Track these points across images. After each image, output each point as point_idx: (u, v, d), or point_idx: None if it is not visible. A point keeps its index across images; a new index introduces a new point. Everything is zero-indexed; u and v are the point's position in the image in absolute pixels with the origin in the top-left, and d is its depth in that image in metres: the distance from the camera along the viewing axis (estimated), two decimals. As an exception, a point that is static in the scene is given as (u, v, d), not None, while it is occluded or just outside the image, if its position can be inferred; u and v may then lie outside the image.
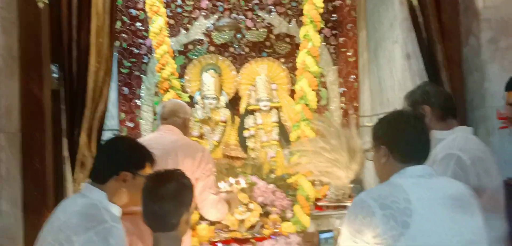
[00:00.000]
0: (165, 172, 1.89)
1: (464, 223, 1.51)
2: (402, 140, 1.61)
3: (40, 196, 2.49)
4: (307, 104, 3.56)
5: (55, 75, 2.74)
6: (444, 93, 2.20)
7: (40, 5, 2.30)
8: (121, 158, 1.89)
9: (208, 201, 2.72)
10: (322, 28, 4.18)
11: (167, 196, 1.80)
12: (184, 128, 2.91)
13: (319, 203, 3.72)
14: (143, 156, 1.95)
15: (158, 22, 3.57)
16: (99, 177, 1.87)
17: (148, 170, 1.95)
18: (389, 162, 1.61)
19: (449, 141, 2.04)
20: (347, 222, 1.55)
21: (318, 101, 4.18)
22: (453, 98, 2.23)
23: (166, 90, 3.54)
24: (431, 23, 2.63)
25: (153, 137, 2.88)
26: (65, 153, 2.75)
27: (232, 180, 3.40)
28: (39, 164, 2.47)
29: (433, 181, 1.56)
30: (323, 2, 3.61)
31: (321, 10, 3.62)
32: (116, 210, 1.87)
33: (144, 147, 2.02)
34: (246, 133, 4.12)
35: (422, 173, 1.57)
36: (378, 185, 1.60)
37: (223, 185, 3.33)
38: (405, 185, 1.51)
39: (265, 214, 3.51)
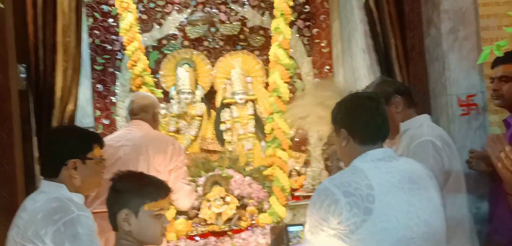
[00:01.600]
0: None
1: (420, 205, 1.57)
2: (360, 122, 1.64)
3: (10, 197, 2.49)
4: (280, 97, 3.60)
5: (22, 75, 2.73)
6: (403, 84, 2.26)
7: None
8: (65, 147, 1.90)
9: (183, 191, 2.78)
10: (295, 20, 4.24)
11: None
12: (153, 122, 2.94)
13: (296, 193, 3.78)
14: (86, 138, 1.96)
15: (128, 19, 3.57)
16: (50, 171, 1.89)
17: (97, 152, 1.95)
18: (350, 145, 1.65)
19: (415, 128, 2.10)
20: (312, 210, 1.57)
21: (293, 93, 4.25)
22: (409, 90, 2.29)
23: (139, 87, 3.55)
24: (385, 18, 2.70)
25: (123, 132, 2.91)
26: (36, 153, 2.76)
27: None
28: (8, 165, 2.47)
29: (393, 164, 1.60)
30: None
31: (291, 3, 3.65)
32: (79, 198, 1.90)
33: (87, 130, 2.05)
34: (222, 126, 4.15)
35: (383, 156, 1.62)
36: (341, 172, 1.65)
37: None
38: (367, 170, 1.56)
39: (242, 206, 3.55)
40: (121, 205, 1.79)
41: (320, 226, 1.53)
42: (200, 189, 3.44)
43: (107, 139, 2.85)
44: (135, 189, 1.81)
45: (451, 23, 2.47)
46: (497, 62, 2.27)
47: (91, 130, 3.97)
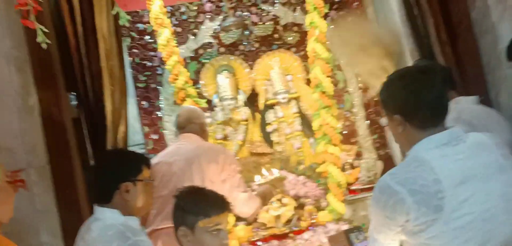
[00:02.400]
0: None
1: (496, 192, 1.40)
2: (415, 104, 1.44)
3: (78, 223, 2.56)
4: (323, 92, 3.54)
5: (73, 103, 2.81)
6: (440, 66, 2.17)
7: (43, 46, 2.35)
8: (116, 171, 1.91)
9: (239, 200, 2.77)
10: (328, 12, 4.16)
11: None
12: (202, 132, 2.96)
13: (352, 187, 3.70)
14: (135, 160, 1.97)
15: (164, 34, 3.59)
16: (102, 198, 1.90)
17: (146, 173, 1.96)
18: (407, 130, 1.47)
19: (457, 110, 2.00)
20: (376, 209, 1.46)
21: (335, 85, 4.18)
22: (450, 71, 2.20)
23: (183, 100, 3.57)
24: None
25: (174, 148, 2.93)
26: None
27: (264, 171, 3.39)
28: (71, 193, 2.55)
29: (461, 148, 1.43)
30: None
31: (323, -5, 3.58)
32: (134, 222, 1.91)
33: (134, 151, 2.07)
34: (269, 128, 4.12)
35: (448, 139, 1.44)
36: (403, 163, 1.46)
37: (258, 178, 3.32)
38: (433, 161, 1.39)
39: (300, 206, 3.49)
40: (180, 222, 1.84)
41: (388, 225, 1.43)
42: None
43: (160, 156, 2.90)
44: (191, 206, 1.84)
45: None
46: None
47: (142, 146, 4.11)
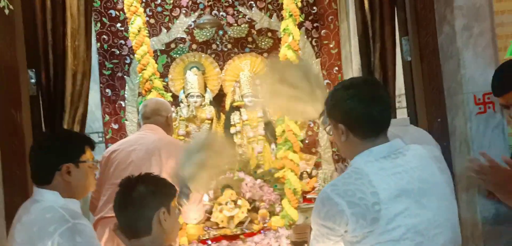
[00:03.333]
0: (130, 179, 1.84)
1: (431, 205, 1.45)
2: (358, 114, 1.48)
3: (22, 202, 2.48)
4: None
5: (32, 80, 2.72)
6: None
7: (6, 12, 2.27)
8: (57, 151, 1.84)
9: (191, 197, 2.69)
10: (304, 22, 4.21)
11: (129, 203, 1.76)
12: (167, 126, 2.91)
13: (308, 196, 3.74)
14: (78, 142, 1.91)
15: (136, 23, 3.56)
16: (43, 178, 1.83)
17: (89, 154, 1.91)
18: (350, 140, 1.51)
19: None
20: (317, 219, 1.47)
21: (302, 95, 4.22)
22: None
23: (148, 91, 3.54)
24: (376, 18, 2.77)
25: (135, 137, 2.88)
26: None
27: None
28: (19, 171, 2.44)
29: (400, 161, 1.47)
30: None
31: (300, 4, 3.63)
32: (75, 204, 1.85)
33: (78, 133, 2.01)
34: (232, 129, 4.12)
35: (388, 152, 1.48)
36: (344, 175, 1.48)
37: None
38: (371, 174, 1.43)
39: (254, 210, 3.52)
40: (159, 204, 1.78)
41: (327, 235, 1.46)
42: (211, 193, 3.41)
43: (120, 143, 2.84)
44: (166, 187, 1.84)
45: (465, 20, 2.42)
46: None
47: (100, 134, 4.03)
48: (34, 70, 2.69)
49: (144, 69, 3.55)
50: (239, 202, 3.38)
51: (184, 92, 4.12)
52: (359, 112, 1.48)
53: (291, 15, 3.61)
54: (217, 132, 3.10)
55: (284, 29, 3.64)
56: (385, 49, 2.81)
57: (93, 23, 4.08)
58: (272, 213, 3.50)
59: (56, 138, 1.95)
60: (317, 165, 4.14)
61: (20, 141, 2.46)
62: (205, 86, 4.18)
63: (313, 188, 3.78)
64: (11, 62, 2.54)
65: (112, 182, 2.57)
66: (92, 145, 1.94)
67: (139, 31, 3.59)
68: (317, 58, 4.39)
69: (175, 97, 4.14)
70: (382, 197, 1.40)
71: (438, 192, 1.49)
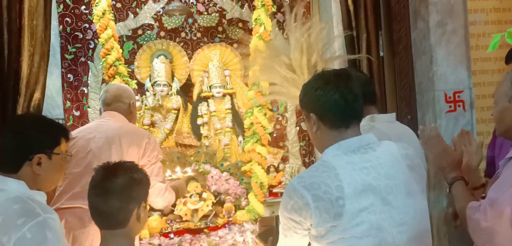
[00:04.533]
0: (114, 165, 1.73)
1: (397, 203, 1.43)
2: (328, 104, 1.49)
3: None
4: (259, 91, 3.49)
5: (-15, 60, 2.54)
6: (363, 78, 2.15)
7: None
8: (31, 140, 1.69)
9: (155, 189, 2.59)
10: (275, 13, 4.13)
11: (113, 191, 1.65)
12: (129, 113, 2.77)
13: (274, 190, 3.68)
14: (54, 132, 1.76)
15: (101, 4, 3.39)
16: (9, 166, 1.67)
17: (64, 146, 1.77)
18: (321, 130, 1.52)
19: (369, 128, 1.98)
20: (284, 212, 1.46)
21: (272, 87, 4.15)
22: (371, 84, 2.20)
23: (112, 77, 3.37)
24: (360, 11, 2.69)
25: (95, 124, 2.73)
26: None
27: (178, 169, 3.27)
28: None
29: (369, 156, 1.46)
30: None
31: (272, -7, 3.55)
32: (42, 197, 1.71)
33: (54, 121, 1.83)
34: (199, 120, 4.01)
35: (358, 145, 1.48)
36: (312, 167, 1.49)
37: (168, 173, 3.21)
38: (339, 167, 1.42)
39: (219, 203, 3.44)
40: (142, 197, 1.72)
41: (294, 228, 1.44)
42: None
43: (79, 130, 2.68)
44: (147, 179, 1.77)
45: (439, 16, 2.41)
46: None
47: (61, 121, 3.83)
48: (-14, 49, 2.51)
49: (108, 54, 3.38)
50: (204, 195, 3.28)
51: (150, 80, 3.98)
52: (328, 101, 1.49)
53: (263, 5, 3.52)
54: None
55: (256, 19, 3.55)
56: (370, 41, 2.73)
57: (55, 4, 3.88)
58: (237, 207, 3.42)
59: (31, 125, 1.76)
60: (284, 159, 4.09)
61: (-31, 124, 2.30)
62: (173, 75, 4.05)
63: (280, 182, 3.72)
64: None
65: (70, 171, 2.42)
66: (67, 136, 1.81)
67: (103, 14, 3.41)
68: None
69: (141, 85, 3.99)
70: (347, 192, 1.39)
71: (406, 190, 1.47)
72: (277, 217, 2.66)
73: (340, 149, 1.47)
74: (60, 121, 3.84)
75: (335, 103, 1.48)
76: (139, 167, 1.77)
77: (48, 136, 1.73)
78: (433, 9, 2.40)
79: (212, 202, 3.30)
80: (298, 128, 4.23)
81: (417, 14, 2.50)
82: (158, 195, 2.59)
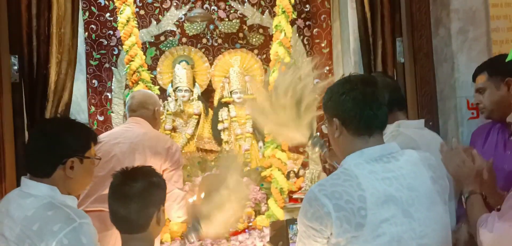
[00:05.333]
0: (132, 170, 1.74)
1: (419, 215, 1.41)
2: (353, 111, 1.46)
3: (1, 192, 2.39)
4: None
5: (15, 67, 2.62)
6: (392, 84, 2.16)
7: None
8: (64, 144, 1.70)
9: (172, 195, 2.60)
10: (296, 19, 4.16)
11: (132, 196, 1.66)
12: (153, 120, 2.83)
13: (294, 196, 3.69)
14: (86, 136, 1.78)
15: (126, 12, 3.48)
16: (42, 170, 1.68)
17: (93, 151, 1.80)
18: (344, 136, 1.49)
19: (398, 135, 1.98)
20: (303, 220, 1.43)
21: (292, 93, 4.18)
22: (401, 90, 2.20)
23: (136, 83, 3.46)
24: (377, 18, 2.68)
25: (120, 130, 2.79)
26: (28, 147, 2.64)
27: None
28: (-2, 161, 2.36)
29: (392, 166, 1.44)
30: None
31: (293, 1, 3.57)
32: (73, 202, 1.72)
33: (85, 125, 1.85)
34: (220, 126, 4.06)
35: (380, 154, 1.45)
36: (333, 175, 1.45)
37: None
38: (361, 176, 1.39)
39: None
40: (161, 200, 1.74)
41: (313, 236, 1.42)
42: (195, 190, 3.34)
43: (104, 136, 2.75)
44: (163, 183, 1.78)
45: (461, 23, 2.40)
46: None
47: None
48: (16, 56, 2.59)
49: (132, 61, 3.47)
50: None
51: (172, 86, 4.05)
52: (353, 108, 1.46)
53: (284, 12, 3.56)
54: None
55: (276, 25, 3.58)
56: (385, 49, 2.75)
57: (81, 11, 3.99)
58: (257, 212, 3.45)
59: (64, 128, 1.77)
60: (304, 165, 4.10)
61: (0, 128, 2.38)
62: (194, 81, 4.11)
63: (300, 188, 3.74)
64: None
65: (94, 174, 2.47)
66: (95, 139, 1.83)
67: (128, 21, 3.50)
68: (308, 57, 4.33)
69: (163, 91, 4.06)
70: (369, 202, 1.36)
71: (427, 201, 1.45)
72: (286, 221, 2.67)
73: (362, 157, 1.44)
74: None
75: (361, 110, 1.46)
76: (155, 170, 1.79)
77: (80, 139, 1.75)
78: (454, 16, 2.40)
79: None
80: (318, 133, 4.24)
81: (439, 22, 2.49)
82: (174, 202, 2.60)
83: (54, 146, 1.69)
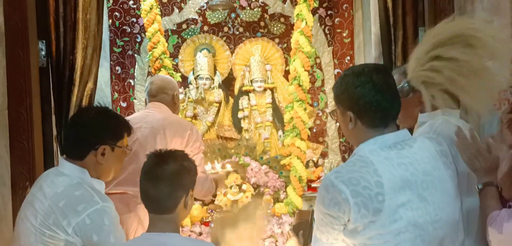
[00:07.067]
0: (165, 153, 1.79)
1: (433, 199, 1.43)
2: (368, 104, 1.44)
3: (29, 174, 2.48)
4: (300, 85, 3.53)
5: (43, 52, 2.70)
6: None
7: None
8: (99, 131, 1.82)
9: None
10: (317, 8, 4.16)
11: (163, 177, 1.70)
12: (173, 105, 2.88)
13: (313, 185, 3.71)
14: (120, 126, 1.89)
15: (149, 0, 3.52)
16: (76, 153, 1.80)
17: (126, 140, 1.89)
18: (357, 127, 1.48)
19: (430, 124, 1.95)
20: (321, 208, 1.44)
21: (313, 83, 4.19)
22: None
23: (158, 70, 3.51)
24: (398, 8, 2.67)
25: (141, 114, 2.85)
26: (55, 131, 2.73)
27: (217, 165, 3.35)
28: (26, 142, 2.46)
29: (406, 152, 1.45)
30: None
31: (315, -11, 3.58)
32: (101, 186, 1.83)
33: (120, 115, 1.97)
34: (240, 114, 4.10)
35: (394, 141, 1.46)
36: (349, 162, 1.47)
37: (208, 167, 3.30)
38: (377, 163, 1.41)
39: (258, 195, 3.51)
40: (191, 184, 1.78)
41: (331, 224, 1.43)
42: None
43: (126, 120, 2.81)
44: (194, 169, 1.81)
45: (485, 13, 2.38)
46: None
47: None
48: (44, 41, 2.67)
49: (155, 48, 3.52)
50: (244, 186, 3.37)
51: (193, 74, 4.10)
52: (368, 101, 1.45)
53: (305, 0, 3.55)
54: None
55: (298, 14, 3.58)
56: (406, 38, 2.74)
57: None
58: (276, 200, 3.48)
59: (100, 117, 1.89)
60: (323, 155, 4.12)
61: (28, 112, 2.47)
62: (215, 69, 4.15)
63: (319, 177, 3.76)
64: (21, 32, 2.54)
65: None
66: (129, 131, 1.94)
67: (151, 9, 3.55)
68: (329, 46, 4.33)
69: (184, 78, 4.11)
70: (387, 188, 1.38)
71: (442, 186, 1.48)
72: (313, 212, 2.67)
73: (376, 144, 1.45)
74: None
75: (376, 103, 1.45)
76: (188, 155, 1.83)
77: (114, 129, 1.87)
78: (478, 6, 2.38)
79: (252, 194, 3.38)
80: (338, 123, 4.25)
81: (463, 10, 2.47)
82: (199, 184, 2.65)
83: (88, 133, 1.81)
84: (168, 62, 3.57)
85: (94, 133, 1.81)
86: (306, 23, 3.53)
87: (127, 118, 2.89)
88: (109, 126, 1.86)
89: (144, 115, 2.79)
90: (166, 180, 1.71)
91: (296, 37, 3.58)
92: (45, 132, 2.59)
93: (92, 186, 1.77)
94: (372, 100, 1.45)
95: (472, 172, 1.71)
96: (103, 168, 1.83)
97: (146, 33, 3.61)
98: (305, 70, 3.53)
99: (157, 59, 3.50)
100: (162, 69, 3.49)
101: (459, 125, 1.88)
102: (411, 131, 1.70)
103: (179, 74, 3.93)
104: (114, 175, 1.97)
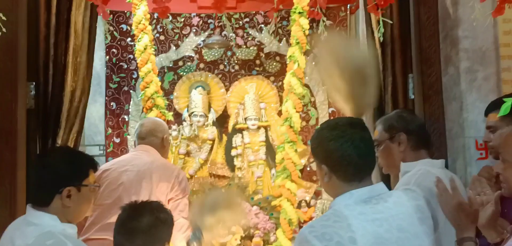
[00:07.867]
0: (140, 204, 1.76)
1: None
2: (341, 159, 1.44)
3: (11, 217, 2.46)
4: (291, 127, 3.52)
5: (32, 93, 2.72)
6: (419, 122, 2.12)
7: None
8: (60, 173, 1.71)
9: (177, 224, 2.59)
10: (312, 50, 4.16)
11: (138, 231, 1.67)
12: (161, 147, 2.86)
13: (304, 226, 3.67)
14: (83, 164, 1.78)
15: (143, 40, 3.56)
16: (40, 200, 1.71)
17: (92, 178, 1.79)
18: (332, 181, 1.47)
19: (411, 174, 1.95)
20: None
21: (307, 122, 4.18)
22: (426, 129, 2.17)
23: (150, 109, 3.52)
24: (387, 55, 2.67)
25: (128, 157, 2.84)
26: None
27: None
28: (9, 184, 2.44)
29: (380, 207, 1.43)
30: (313, 23, 3.58)
31: (307, 32, 3.59)
32: (73, 229, 1.75)
33: (82, 153, 1.87)
34: (233, 152, 4.09)
35: (369, 196, 1.44)
36: (324, 216, 1.46)
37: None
38: (351, 217, 1.38)
39: (248, 237, 3.46)
40: (166, 237, 1.74)
41: None
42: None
43: (112, 163, 2.80)
44: (170, 220, 1.79)
45: (470, 63, 2.38)
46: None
47: (102, 147, 4.01)
48: (34, 83, 2.70)
49: (147, 87, 3.54)
50: (233, 228, 3.32)
51: (188, 110, 4.11)
52: (341, 155, 1.44)
53: (297, 42, 3.57)
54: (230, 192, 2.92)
55: (290, 56, 3.60)
56: (396, 85, 2.74)
57: (103, 35, 4.12)
58: (266, 242, 3.43)
59: (59, 158, 1.80)
60: (317, 194, 4.07)
61: (12, 153, 2.47)
62: (209, 107, 4.16)
63: (311, 218, 3.71)
64: (10, 73, 2.56)
65: (100, 202, 2.53)
66: (95, 167, 1.83)
67: (145, 49, 3.58)
68: (324, 85, 4.32)
69: (179, 115, 4.12)
70: (360, 243, 1.36)
71: (417, 243, 1.46)
72: None
73: (351, 198, 1.44)
74: (101, 148, 4.04)
75: (349, 158, 1.43)
76: (164, 206, 1.80)
77: (76, 168, 1.75)
78: (463, 55, 2.38)
79: (241, 236, 3.34)
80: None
81: (448, 60, 2.47)
82: (179, 231, 2.61)
83: (50, 176, 1.72)
84: (160, 101, 3.58)
85: (56, 175, 1.71)
86: (299, 65, 3.54)
87: (115, 160, 2.90)
88: (71, 165, 1.75)
89: (131, 158, 2.78)
90: (141, 234, 1.67)
91: (289, 79, 3.59)
92: (29, 173, 2.58)
93: (64, 233, 1.68)
94: (345, 155, 1.44)
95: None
96: (72, 211, 1.73)
97: (140, 73, 3.63)
98: (296, 111, 3.53)
99: (149, 99, 3.52)
100: (154, 108, 3.50)
101: (441, 174, 1.86)
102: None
103: (172, 113, 3.93)
104: (85, 215, 1.91)
